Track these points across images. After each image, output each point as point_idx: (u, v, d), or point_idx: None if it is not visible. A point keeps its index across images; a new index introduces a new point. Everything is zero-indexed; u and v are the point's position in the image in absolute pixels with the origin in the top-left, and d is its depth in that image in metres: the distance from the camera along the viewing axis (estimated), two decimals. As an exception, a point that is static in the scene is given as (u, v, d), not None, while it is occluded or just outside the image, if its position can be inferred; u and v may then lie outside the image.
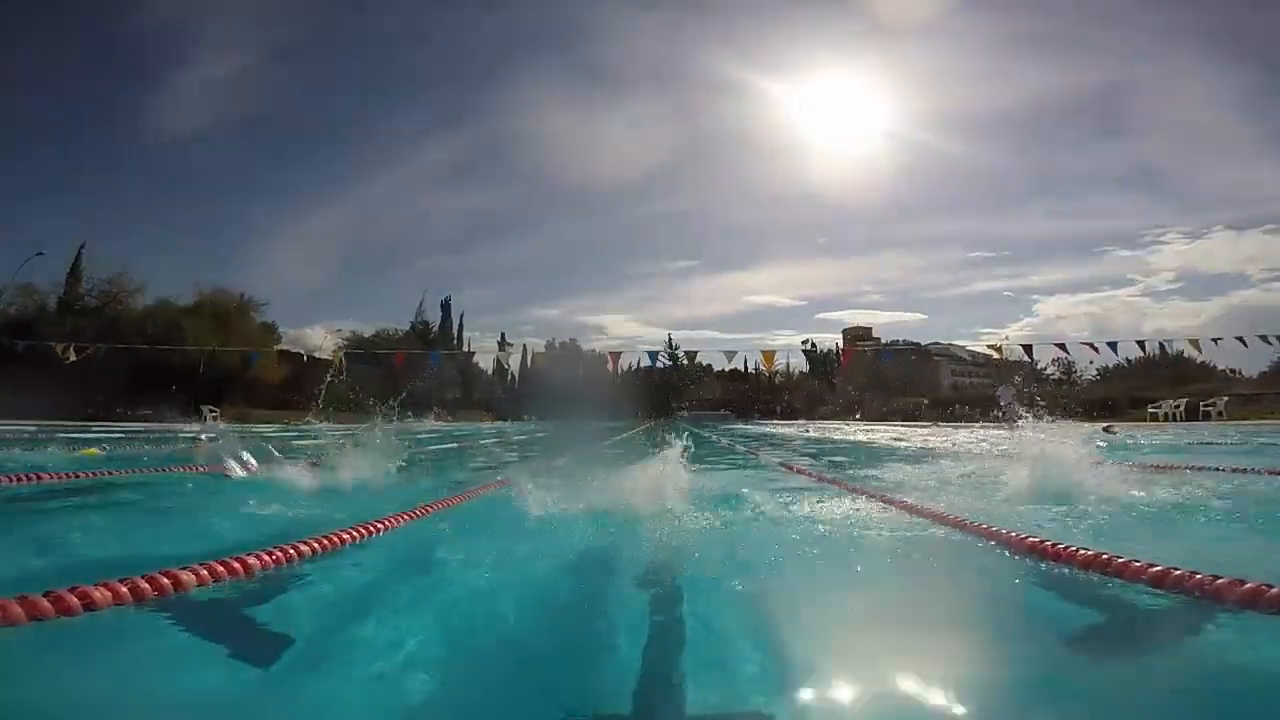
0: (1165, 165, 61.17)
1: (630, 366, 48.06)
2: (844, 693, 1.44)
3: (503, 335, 56.42)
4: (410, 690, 1.46)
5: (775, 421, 37.69)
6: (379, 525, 2.88)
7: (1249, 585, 1.77)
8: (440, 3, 55.81)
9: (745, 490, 4.19)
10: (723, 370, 57.82)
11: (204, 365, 24.39)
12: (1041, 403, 5.39)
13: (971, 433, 14.46)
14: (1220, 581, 1.82)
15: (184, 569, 1.95)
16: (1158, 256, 55.38)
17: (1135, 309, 54.26)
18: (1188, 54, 48.43)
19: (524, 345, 55.61)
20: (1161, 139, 54.31)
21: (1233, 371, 37.82)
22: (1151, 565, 2.01)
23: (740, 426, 23.74)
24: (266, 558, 2.21)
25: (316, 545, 2.45)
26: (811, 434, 19.07)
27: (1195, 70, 46.63)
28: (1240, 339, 20.97)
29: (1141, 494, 3.81)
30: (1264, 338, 20.77)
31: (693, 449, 4.29)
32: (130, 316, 33.05)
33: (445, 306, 54.43)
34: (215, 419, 26.30)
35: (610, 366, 25.89)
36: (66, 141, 51.19)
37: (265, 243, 66.52)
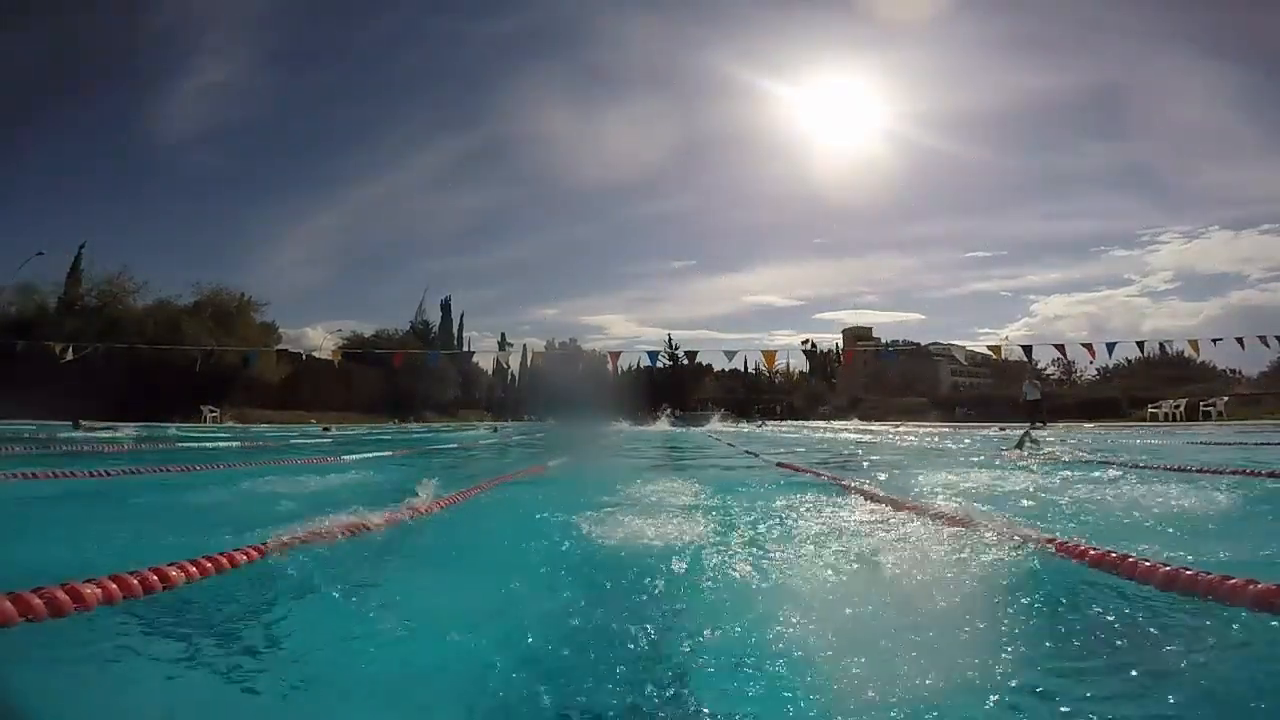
0: (1162, 165, 61.22)
1: (630, 367, 48.01)
2: (837, 688, 1.40)
3: (503, 335, 56.20)
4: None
5: (777, 423, 37.57)
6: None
7: (1262, 586, 1.73)
8: (439, 4, 55.75)
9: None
10: (722, 370, 57.72)
11: (200, 365, 24.28)
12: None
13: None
14: (1232, 582, 1.78)
15: (172, 565, 1.91)
16: (1155, 256, 55.31)
17: (1133, 309, 54.23)
18: (1184, 54, 48.36)
19: (524, 345, 55.52)
20: (1158, 139, 54.35)
21: (1233, 371, 37.78)
22: (1162, 565, 1.97)
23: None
24: (253, 553, 2.17)
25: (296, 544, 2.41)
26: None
27: (1191, 70, 46.61)
28: (1239, 339, 20.93)
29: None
30: (1263, 338, 20.72)
31: None
32: (130, 316, 32.96)
33: (445, 306, 54.20)
34: (215, 419, 26.30)
35: (610, 366, 25.90)
36: (67, 142, 51.11)
37: (265, 243, 66.52)
